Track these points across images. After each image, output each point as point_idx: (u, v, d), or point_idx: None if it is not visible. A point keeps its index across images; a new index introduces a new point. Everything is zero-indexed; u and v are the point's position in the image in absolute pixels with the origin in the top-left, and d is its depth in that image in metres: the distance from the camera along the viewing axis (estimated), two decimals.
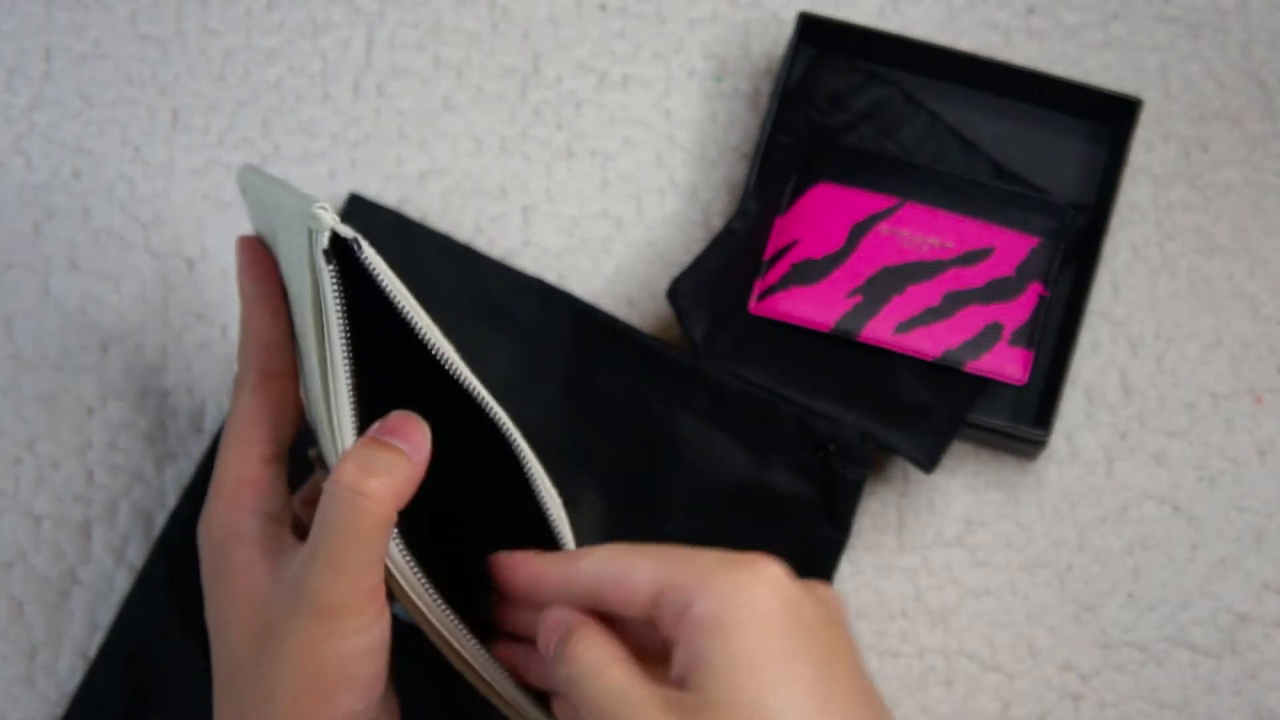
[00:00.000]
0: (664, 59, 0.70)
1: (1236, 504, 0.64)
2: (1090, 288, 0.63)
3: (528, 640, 0.49)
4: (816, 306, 0.64)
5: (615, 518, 0.61)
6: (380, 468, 0.44)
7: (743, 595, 0.42)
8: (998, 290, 0.63)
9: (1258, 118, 0.68)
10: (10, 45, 0.70)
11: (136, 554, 0.63)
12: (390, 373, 0.47)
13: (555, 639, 0.45)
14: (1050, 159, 0.67)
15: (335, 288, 0.44)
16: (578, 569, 0.46)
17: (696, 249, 0.66)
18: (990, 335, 0.63)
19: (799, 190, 0.66)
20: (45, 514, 0.64)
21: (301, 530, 0.48)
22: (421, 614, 0.47)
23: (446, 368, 0.47)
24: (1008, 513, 0.64)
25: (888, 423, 0.61)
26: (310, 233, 0.44)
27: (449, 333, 0.47)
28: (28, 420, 0.65)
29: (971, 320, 0.63)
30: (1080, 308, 0.63)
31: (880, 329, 0.63)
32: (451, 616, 0.47)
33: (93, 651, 0.61)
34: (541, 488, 0.50)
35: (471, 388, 0.48)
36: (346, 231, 0.44)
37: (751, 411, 0.61)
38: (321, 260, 0.44)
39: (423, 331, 0.46)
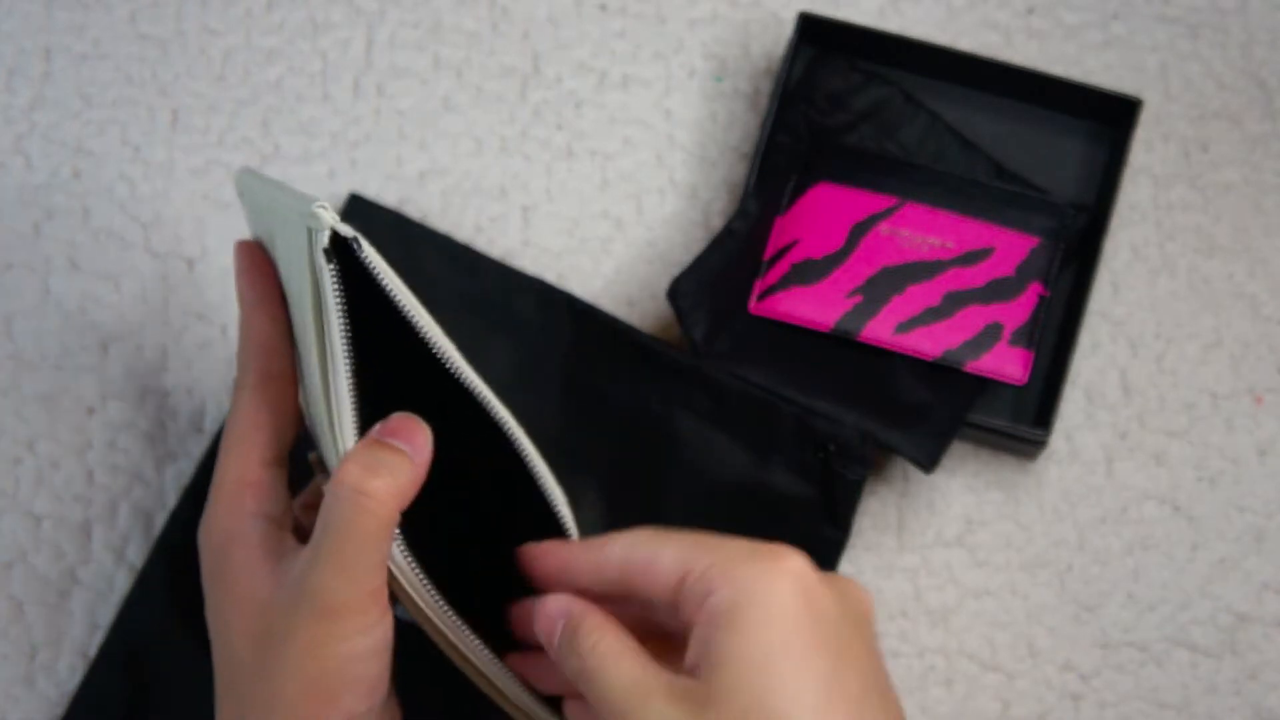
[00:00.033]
0: (664, 59, 0.70)
1: (1236, 504, 0.64)
2: (1090, 288, 0.63)
3: (539, 649, 0.48)
4: (816, 306, 0.64)
5: (615, 517, 0.61)
6: (383, 468, 0.44)
7: (761, 587, 0.42)
8: (998, 290, 0.63)
9: (1258, 118, 0.68)
10: (10, 45, 0.70)
11: (136, 554, 0.63)
12: (391, 372, 0.46)
13: (559, 629, 0.45)
14: (1050, 159, 0.67)
15: (335, 287, 0.44)
16: (605, 555, 0.46)
17: (696, 249, 0.66)
18: (990, 335, 0.63)
19: (799, 190, 0.66)
20: (45, 514, 0.63)
21: (302, 534, 0.48)
22: (425, 615, 0.47)
23: (448, 367, 0.47)
24: (1008, 513, 0.64)
25: (888, 423, 0.61)
26: (310, 232, 0.44)
27: (449, 333, 0.47)
28: (28, 420, 0.65)
29: (971, 320, 0.63)
30: (1080, 308, 0.63)
31: (880, 329, 0.63)
32: (454, 617, 0.47)
33: (93, 651, 0.61)
34: (547, 484, 0.50)
35: (473, 386, 0.48)
36: (347, 230, 0.43)
37: (751, 411, 0.61)
38: (322, 259, 0.44)
39: (424, 330, 0.46)
